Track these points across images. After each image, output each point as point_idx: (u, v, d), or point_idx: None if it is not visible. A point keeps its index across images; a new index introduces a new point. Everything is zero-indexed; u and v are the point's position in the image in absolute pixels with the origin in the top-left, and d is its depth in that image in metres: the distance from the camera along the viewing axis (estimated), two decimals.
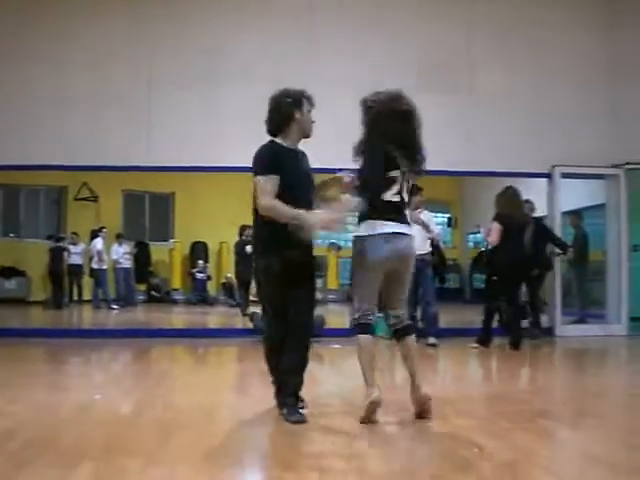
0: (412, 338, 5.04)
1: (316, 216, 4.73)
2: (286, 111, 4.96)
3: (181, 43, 10.39)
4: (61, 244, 16.71)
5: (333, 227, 4.76)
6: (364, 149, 4.95)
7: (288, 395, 4.88)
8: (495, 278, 9.47)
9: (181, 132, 10.27)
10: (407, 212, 5.09)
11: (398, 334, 5.02)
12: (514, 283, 9.50)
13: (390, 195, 4.91)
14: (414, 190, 5.49)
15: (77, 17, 10.25)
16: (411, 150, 4.99)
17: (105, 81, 10.23)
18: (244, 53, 10.33)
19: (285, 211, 4.72)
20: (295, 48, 10.44)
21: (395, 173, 4.90)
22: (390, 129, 4.90)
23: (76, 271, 17.12)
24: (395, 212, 4.94)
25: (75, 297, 17.30)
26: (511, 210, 9.34)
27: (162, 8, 10.41)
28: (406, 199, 5.03)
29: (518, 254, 9.28)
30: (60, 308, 15.96)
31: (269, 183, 4.78)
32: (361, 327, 4.88)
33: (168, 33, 10.38)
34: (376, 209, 4.88)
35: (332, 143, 9.75)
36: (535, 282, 10.57)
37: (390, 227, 4.88)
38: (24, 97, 10.18)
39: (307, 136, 5.04)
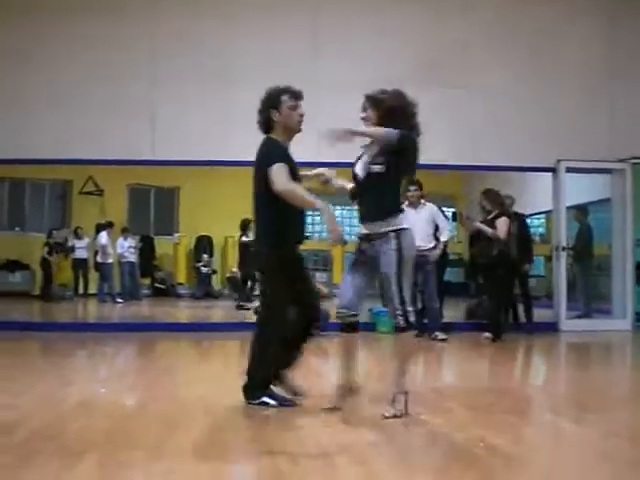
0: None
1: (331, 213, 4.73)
2: (264, 114, 5.08)
3: (186, 39, 10.37)
4: (49, 239, 16.94)
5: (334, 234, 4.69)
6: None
7: None
8: (501, 272, 9.50)
9: (186, 126, 10.27)
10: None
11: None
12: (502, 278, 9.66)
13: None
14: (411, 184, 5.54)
15: (81, 15, 10.22)
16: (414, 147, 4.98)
17: (110, 76, 10.21)
18: (248, 50, 10.30)
19: (306, 195, 4.77)
20: (298, 46, 10.42)
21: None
22: (409, 122, 4.93)
23: (81, 265, 17.25)
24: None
25: (81, 291, 17.39)
26: (506, 207, 9.65)
27: (167, 5, 10.40)
28: None
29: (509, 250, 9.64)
30: (50, 300, 16.17)
31: (283, 169, 4.84)
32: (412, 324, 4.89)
33: (173, 29, 10.36)
34: (398, 202, 4.95)
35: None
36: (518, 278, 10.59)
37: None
38: (30, 92, 10.17)
39: (295, 131, 5.10)
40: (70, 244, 17.21)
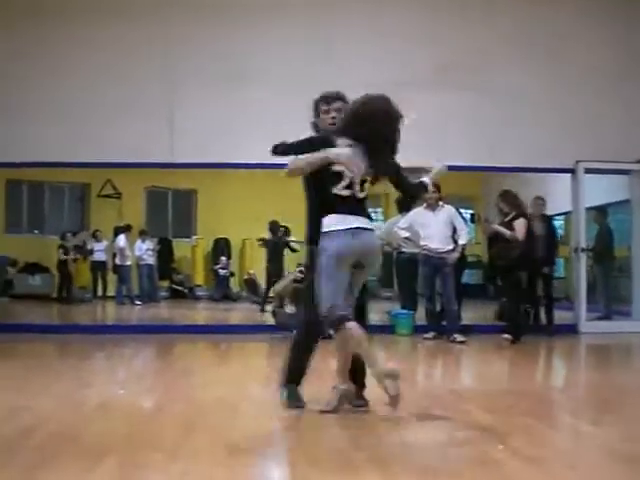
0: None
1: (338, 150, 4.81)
2: (313, 124, 5.27)
3: (204, 42, 10.40)
4: (63, 241, 17.11)
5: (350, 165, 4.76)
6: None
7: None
8: (520, 273, 9.48)
9: (204, 129, 10.29)
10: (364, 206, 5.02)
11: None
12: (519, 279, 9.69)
13: (340, 188, 4.87)
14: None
15: (100, 18, 10.27)
16: (382, 151, 4.98)
17: (129, 79, 10.26)
18: (266, 52, 10.32)
19: (304, 158, 4.86)
20: (315, 47, 10.40)
21: (339, 167, 4.84)
22: (363, 127, 4.91)
23: (100, 267, 17.34)
24: (346, 205, 4.88)
25: (100, 293, 17.48)
26: (523, 209, 9.60)
27: (185, 8, 10.43)
28: (359, 194, 4.93)
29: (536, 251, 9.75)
30: (70, 303, 16.37)
31: (292, 157, 4.98)
32: (343, 318, 4.75)
33: (191, 31, 10.39)
34: (329, 203, 4.87)
35: None
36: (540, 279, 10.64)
37: (350, 221, 4.84)
38: (48, 95, 10.23)
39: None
40: (89, 247, 17.31)
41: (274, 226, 13.57)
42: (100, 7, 10.35)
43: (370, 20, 10.55)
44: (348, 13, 10.54)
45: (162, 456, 3.82)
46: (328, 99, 5.19)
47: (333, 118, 5.12)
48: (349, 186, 4.87)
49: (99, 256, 17.24)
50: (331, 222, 4.84)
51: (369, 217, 5.00)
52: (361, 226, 4.85)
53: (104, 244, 17.25)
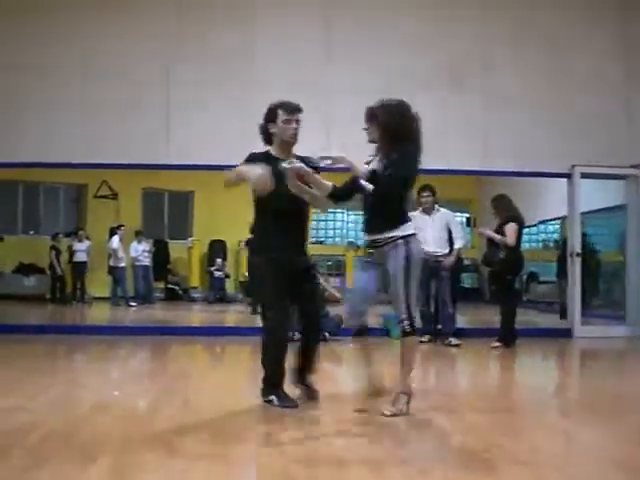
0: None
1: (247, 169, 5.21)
2: (264, 127, 5.37)
3: (202, 43, 10.40)
4: (54, 242, 17.14)
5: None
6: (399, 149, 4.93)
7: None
8: (510, 277, 9.51)
9: (201, 130, 10.29)
10: None
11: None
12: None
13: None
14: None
15: (100, 20, 10.27)
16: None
17: (126, 80, 10.24)
18: (264, 53, 10.34)
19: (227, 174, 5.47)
20: (312, 49, 10.43)
21: None
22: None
23: (80, 268, 17.25)
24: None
25: (79, 294, 17.37)
26: (516, 213, 9.54)
27: (184, 7, 10.43)
28: None
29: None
30: (64, 304, 16.47)
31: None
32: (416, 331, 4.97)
33: (188, 32, 10.40)
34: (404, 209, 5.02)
35: (347, 143, 9.87)
36: None
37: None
38: (45, 96, 10.22)
39: (290, 144, 5.29)
40: (74, 249, 17.18)
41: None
42: (97, 6, 10.34)
43: (368, 23, 10.56)
44: (347, 16, 10.55)
45: (156, 456, 3.83)
46: (291, 109, 5.23)
47: (295, 129, 5.21)
48: None
49: (80, 257, 17.13)
50: (411, 225, 4.99)
51: None
52: None
53: (86, 244, 17.14)
